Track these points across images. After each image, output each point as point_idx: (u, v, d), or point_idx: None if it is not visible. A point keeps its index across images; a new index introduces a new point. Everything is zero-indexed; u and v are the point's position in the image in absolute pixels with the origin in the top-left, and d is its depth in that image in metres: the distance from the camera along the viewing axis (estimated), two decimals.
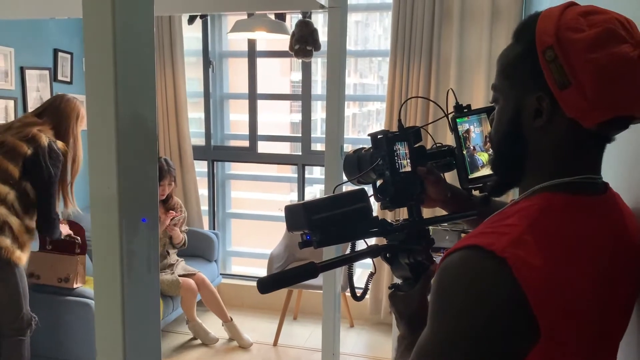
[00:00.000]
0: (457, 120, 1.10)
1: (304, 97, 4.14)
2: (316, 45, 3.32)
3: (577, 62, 0.75)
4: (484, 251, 0.74)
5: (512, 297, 0.71)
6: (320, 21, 4.20)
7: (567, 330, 0.74)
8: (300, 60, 3.66)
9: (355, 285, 1.18)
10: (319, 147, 4.20)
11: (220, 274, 4.31)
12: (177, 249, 3.81)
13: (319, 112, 5.40)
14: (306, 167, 4.25)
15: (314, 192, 5.09)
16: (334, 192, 1.07)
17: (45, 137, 2.65)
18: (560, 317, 0.73)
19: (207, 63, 4.26)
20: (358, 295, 1.11)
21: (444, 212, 1.20)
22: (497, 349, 0.73)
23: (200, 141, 4.37)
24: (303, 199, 4.32)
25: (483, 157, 1.11)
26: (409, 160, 1.10)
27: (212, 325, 3.80)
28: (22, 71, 3.50)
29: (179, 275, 3.64)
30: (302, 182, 4.24)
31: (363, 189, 1.07)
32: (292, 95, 5.62)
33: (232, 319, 3.74)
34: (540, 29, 0.78)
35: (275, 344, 3.74)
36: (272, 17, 3.29)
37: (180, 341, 3.77)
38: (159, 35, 4.06)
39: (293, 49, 3.34)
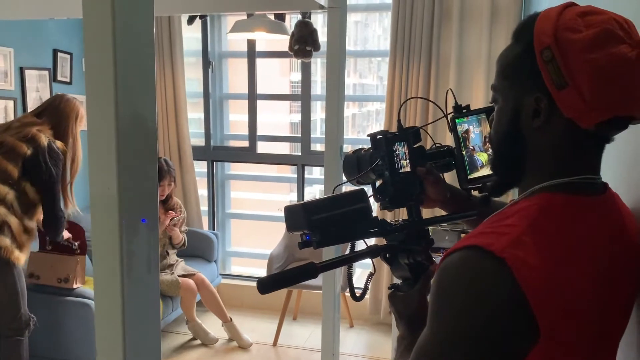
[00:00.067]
0: (457, 120, 1.10)
1: (304, 97, 4.14)
2: (316, 46, 3.32)
3: (574, 62, 0.75)
4: (484, 251, 0.74)
5: (512, 297, 0.72)
6: (319, 21, 4.20)
7: (567, 330, 0.74)
8: (299, 61, 3.66)
9: (355, 285, 1.18)
10: (318, 147, 4.20)
11: (220, 274, 4.31)
12: (177, 249, 3.81)
13: (318, 113, 5.40)
14: (306, 168, 4.25)
15: (314, 192, 5.10)
16: (333, 193, 1.08)
17: (45, 137, 2.66)
18: (560, 317, 0.73)
19: (206, 63, 4.26)
20: (357, 295, 1.12)
21: (444, 213, 1.20)
22: (497, 349, 0.73)
23: (200, 141, 4.37)
24: (303, 199, 4.32)
25: (482, 157, 1.11)
26: (408, 161, 1.10)
27: (212, 325, 3.80)
28: (21, 71, 3.50)
29: (179, 276, 3.64)
30: (301, 183, 4.24)
31: (363, 190, 1.07)
32: (292, 96, 5.62)
33: (231, 319, 3.74)
34: (538, 29, 0.78)
35: (274, 344, 3.74)
36: (272, 17, 3.29)
37: (180, 341, 3.77)
38: (158, 35, 4.06)
39: (292, 49, 3.34)
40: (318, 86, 5.15)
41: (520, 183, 0.87)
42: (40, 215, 2.77)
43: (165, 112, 4.15)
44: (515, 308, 0.72)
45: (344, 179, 1.23)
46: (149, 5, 0.83)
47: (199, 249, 4.12)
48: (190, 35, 4.27)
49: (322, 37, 3.28)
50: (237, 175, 4.80)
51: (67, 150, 2.76)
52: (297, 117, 4.50)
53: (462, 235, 3.06)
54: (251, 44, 4.20)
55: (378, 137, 1.10)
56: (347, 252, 1.07)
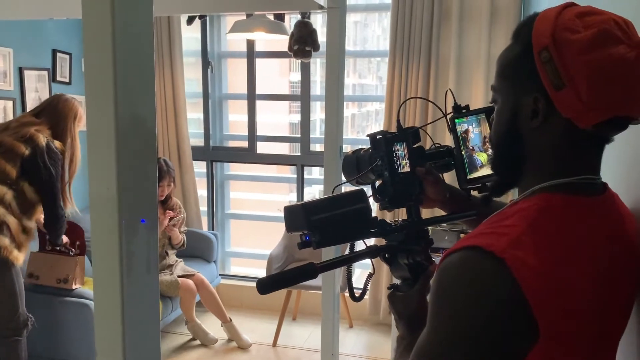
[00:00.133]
0: (456, 120, 1.10)
1: (303, 97, 4.14)
2: (315, 46, 3.32)
3: (571, 63, 0.75)
4: (484, 252, 0.74)
5: (512, 297, 0.72)
6: (319, 21, 4.20)
7: (566, 330, 0.75)
8: (299, 61, 3.66)
9: (354, 285, 1.18)
10: (318, 147, 4.20)
11: (220, 275, 4.31)
12: (176, 250, 3.80)
13: (317, 113, 5.40)
14: (305, 168, 4.25)
15: (313, 192, 5.09)
16: (333, 193, 1.08)
17: (43, 137, 2.66)
18: (559, 317, 0.73)
19: (206, 63, 4.26)
20: (357, 295, 1.12)
21: (443, 213, 1.20)
22: (497, 349, 0.73)
23: (199, 142, 4.37)
24: (302, 199, 4.32)
25: (482, 157, 1.11)
26: (407, 161, 1.10)
27: (211, 325, 3.80)
28: (20, 72, 3.50)
29: (178, 276, 3.64)
30: (301, 183, 4.24)
31: (362, 190, 1.07)
32: (291, 96, 5.63)
33: (231, 320, 3.74)
34: (536, 30, 0.79)
35: (274, 344, 3.74)
36: (271, 17, 3.29)
37: (179, 342, 3.77)
38: (157, 35, 4.06)
39: (292, 50, 3.34)
40: (317, 86, 5.15)
41: (520, 183, 0.87)
42: (39, 215, 2.77)
43: (165, 112, 4.15)
44: (514, 308, 0.72)
45: (344, 179, 1.23)
46: (149, 5, 0.83)
47: (199, 249, 4.12)
48: (190, 36, 4.27)
49: (322, 37, 3.28)
50: (237, 175, 4.80)
51: (65, 150, 2.76)
52: (297, 118, 4.50)
53: (462, 235, 3.06)
54: (250, 44, 4.20)
55: (377, 137, 1.10)
56: (347, 252, 1.07)
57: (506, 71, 0.85)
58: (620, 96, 0.75)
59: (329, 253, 1.99)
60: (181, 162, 4.19)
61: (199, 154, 4.32)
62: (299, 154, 4.23)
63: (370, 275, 1.18)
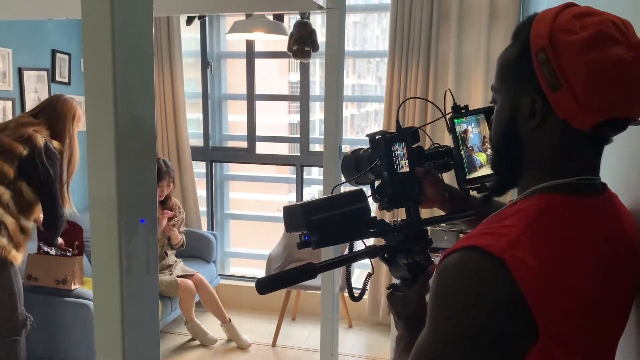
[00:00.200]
0: (455, 120, 1.10)
1: (302, 98, 4.14)
2: (314, 46, 3.32)
3: (568, 64, 0.75)
4: (483, 252, 0.74)
5: (511, 297, 0.72)
6: (318, 22, 4.20)
7: (566, 331, 0.75)
8: (298, 61, 3.66)
9: (354, 285, 1.18)
10: (317, 147, 4.21)
11: (219, 275, 4.31)
12: (176, 250, 3.80)
13: (317, 113, 5.39)
14: (304, 168, 4.25)
15: (313, 192, 5.09)
16: (332, 193, 1.08)
17: (41, 137, 2.66)
18: (559, 317, 0.73)
19: (205, 64, 4.26)
20: (356, 295, 1.12)
21: (442, 213, 1.20)
22: (497, 349, 0.73)
23: (199, 142, 4.37)
24: (301, 199, 4.32)
25: (481, 157, 1.11)
26: (407, 161, 1.10)
27: (211, 326, 3.80)
28: (20, 72, 3.50)
29: (178, 276, 3.63)
30: (300, 183, 4.24)
31: (361, 190, 1.07)
32: (291, 96, 5.62)
33: (230, 320, 3.74)
34: (534, 30, 0.79)
35: (273, 344, 3.74)
36: (271, 17, 3.29)
37: (178, 342, 3.77)
38: (157, 36, 4.06)
39: (291, 50, 3.34)
40: (317, 87, 5.15)
41: (520, 183, 0.87)
42: (37, 215, 2.77)
43: (164, 112, 4.15)
44: (514, 308, 0.72)
45: (343, 179, 1.23)
46: (148, 5, 0.83)
47: (198, 249, 4.12)
48: (189, 36, 4.27)
49: (321, 38, 3.28)
50: (236, 175, 4.79)
51: (63, 150, 2.76)
52: (296, 118, 4.50)
53: (461, 235, 3.06)
54: (250, 44, 4.20)
55: (377, 137, 1.10)
56: (346, 252, 1.07)
57: (505, 71, 0.85)
58: (617, 97, 0.75)
59: (328, 253, 1.99)
60: (180, 163, 4.19)
61: (198, 154, 4.32)
62: (299, 154, 4.23)
63: (369, 275, 1.18)
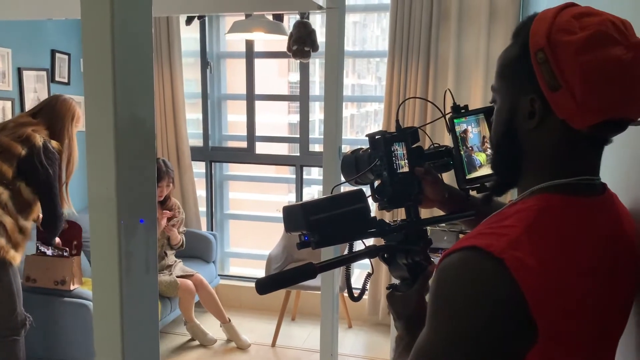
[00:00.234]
0: (455, 120, 1.10)
1: (302, 98, 4.14)
2: (314, 46, 3.32)
3: (567, 64, 0.75)
4: (483, 252, 0.74)
5: (511, 297, 0.72)
6: (318, 22, 4.20)
7: (566, 331, 0.75)
8: (298, 61, 3.66)
9: (353, 285, 1.18)
10: (317, 148, 4.21)
11: (219, 275, 4.31)
12: (175, 250, 3.80)
13: (317, 113, 5.39)
14: (304, 168, 4.25)
15: (312, 193, 5.09)
16: (332, 193, 1.08)
17: (40, 137, 2.65)
18: (559, 317, 0.73)
19: (204, 64, 4.26)
20: (356, 295, 1.12)
21: (442, 213, 1.20)
22: (496, 349, 0.73)
23: (198, 142, 4.37)
24: (301, 199, 4.32)
25: (481, 157, 1.11)
26: (406, 161, 1.10)
27: (210, 326, 3.80)
28: (19, 72, 3.49)
29: (177, 276, 3.63)
30: (300, 183, 4.24)
31: (361, 190, 1.07)
32: (290, 96, 5.62)
33: (230, 320, 3.74)
34: (533, 30, 0.79)
35: (273, 344, 3.73)
36: (270, 17, 3.29)
37: (178, 342, 3.77)
38: (156, 36, 4.06)
39: (291, 50, 3.34)
40: (316, 87, 5.15)
41: (520, 183, 0.87)
42: (35, 215, 2.77)
43: (164, 112, 4.15)
44: (514, 309, 0.72)
45: (343, 179, 1.23)
46: (148, 5, 0.83)
47: (198, 249, 4.12)
48: (189, 36, 4.27)
49: (321, 38, 3.28)
50: (236, 176, 4.79)
51: (62, 150, 2.76)
52: (296, 118, 4.50)
53: (461, 235, 3.06)
54: (249, 44, 4.20)
55: (376, 137, 1.10)
56: (346, 252, 1.07)
57: (505, 71, 0.85)
58: (616, 98, 0.75)
59: (328, 253, 1.99)
60: (180, 163, 4.19)
61: (198, 154, 4.32)
62: (298, 154, 4.23)
63: (369, 275, 1.18)
